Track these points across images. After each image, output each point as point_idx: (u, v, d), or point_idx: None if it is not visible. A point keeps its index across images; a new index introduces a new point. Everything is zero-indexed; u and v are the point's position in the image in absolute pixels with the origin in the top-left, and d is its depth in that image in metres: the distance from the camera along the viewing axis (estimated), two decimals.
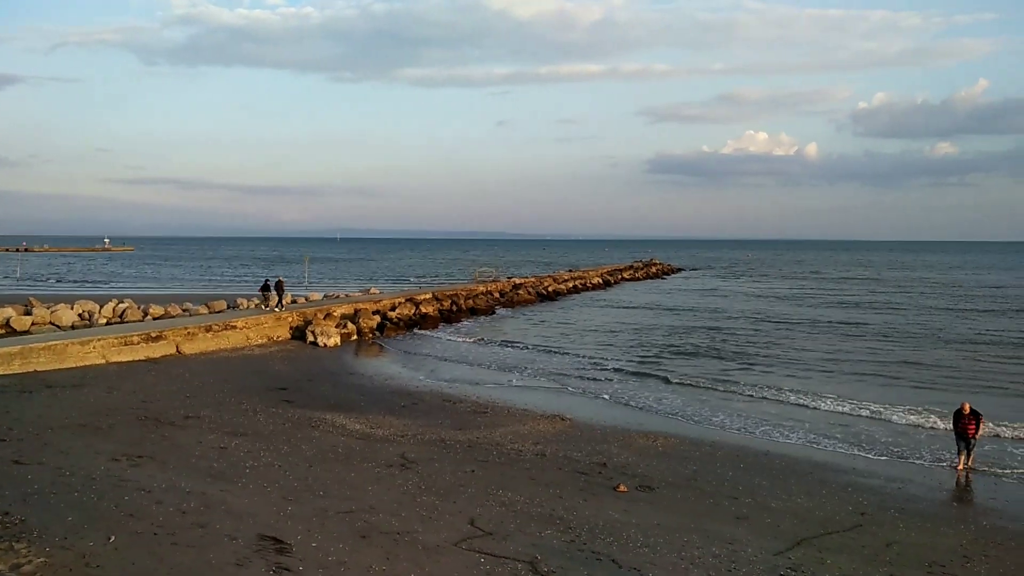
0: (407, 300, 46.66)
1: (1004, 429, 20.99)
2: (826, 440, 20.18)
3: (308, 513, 11.88)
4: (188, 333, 30.76)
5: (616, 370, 30.97)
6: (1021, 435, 20.59)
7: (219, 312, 39.11)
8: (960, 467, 17.30)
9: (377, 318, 41.01)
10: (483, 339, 39.79)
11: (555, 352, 35.67)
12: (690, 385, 27.86)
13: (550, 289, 68.62)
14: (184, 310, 39.42)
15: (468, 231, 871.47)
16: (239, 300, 43.72)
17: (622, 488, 14.81)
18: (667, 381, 28.59)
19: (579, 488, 14.73)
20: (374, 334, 39.34)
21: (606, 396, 25.77)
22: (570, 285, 74.14)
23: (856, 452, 19.03)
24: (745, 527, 12.92)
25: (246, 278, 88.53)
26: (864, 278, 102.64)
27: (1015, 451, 19.13)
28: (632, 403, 24.70)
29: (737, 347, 37.65)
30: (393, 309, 44.03)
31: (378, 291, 54.43)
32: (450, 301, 50.92)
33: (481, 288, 59.06)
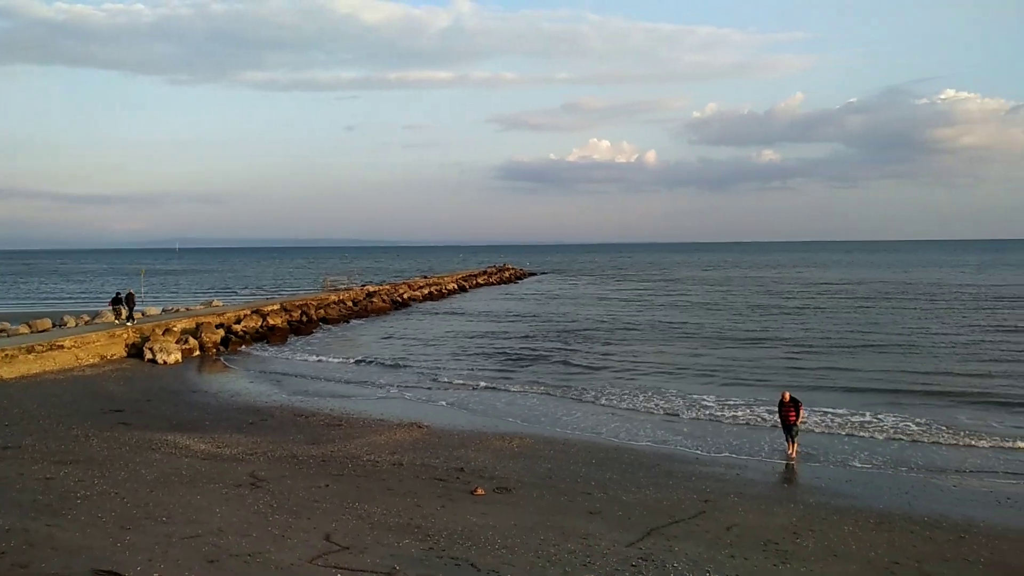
0: (253, 312, 44.81)
1: (831, 417, 22.89)
2: (671, 434, 21.25)
3: (150, 541, 11.14)
4: (5, 355, 28.09)
5: (472, 376, 31.18)
6: (844, 422, 22.51)
7: (43, 331, 35.93)
8: (790, 452, 18.58)
9: (221, 332, 39.16)
10: (335, 350, 38.92)
11: (410, 360, 35.43)
12: (543, 385, 28.49)
13: (405, 296, 68.10)
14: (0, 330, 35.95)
15: (319, 238, 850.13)
16: (65, 318, 40.36)
17: (479, 491, 14.92)
18: (521, 384, 29.08)
19: (437, 495, 14.70)
20: (218, 349, 37.52)
21: (463, 402, 25.88)
22: (425, 292, 73.89)
23: (699, 443, 20.15)
24: (599, 521, 13.35)
25: (79, 294, 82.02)
26: (705, 280, 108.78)
27: (840, 435, 20.93)
28: (488, 407, 24.95)
29: (585, 350, 38.84)
30: (238, 322, 42.17)
31: (221, 303, 51.94)
32: (300, 312, 49.41)
33: (333, 297, 57.72)
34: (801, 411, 18.70)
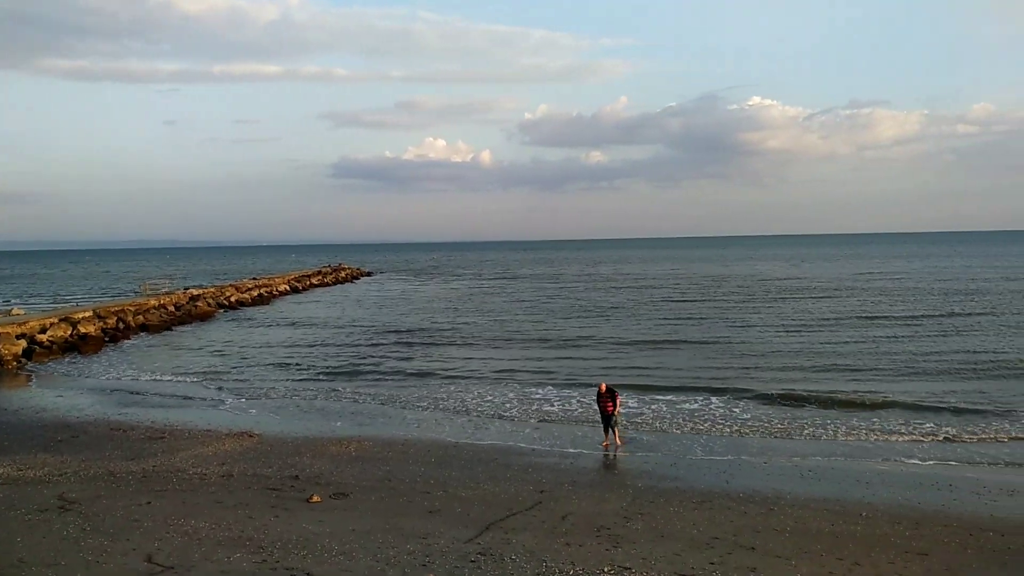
0: (62, 320, 41.14)
1: (660, 405, 24.20)
2: (508, 430, 21.70)
3: None
4: None
5: (305, 381, 30.29)
6: (673, 411, 23.87)
7: None
8: (605, 443, 19.16)
9: (23, 343, 35.67)
10: (157, 359, 36.53)
11: (239, 367, 33.90)
12: (380, 388, 28.18)
13: (233, 300, 64.98)
14: None
15: (137, 239, 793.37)
16: None
17: (316, 498, 14.51)
18: (357, 387, 28.60)
19: (270, 505, 14.14)
20: (19, 361, 34.16)
21: (296, 408, 25.10)
22: (255, 294, 70.84)
23: (535, 437, 20.68)
24: (438, 519, 13.37)
25: None
26: (541, 276, 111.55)
27: (669, 422, 22.18)
28: (324, 412, 24.35)
29: (422, 350, 38.81)
30: (44, 331, 38.57)
31: (23, 311, 47.25)
32: (116, 319, 45.93)
33: (153, 302, 54.06)
34: (618, 401, 19.29)
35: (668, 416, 22.56)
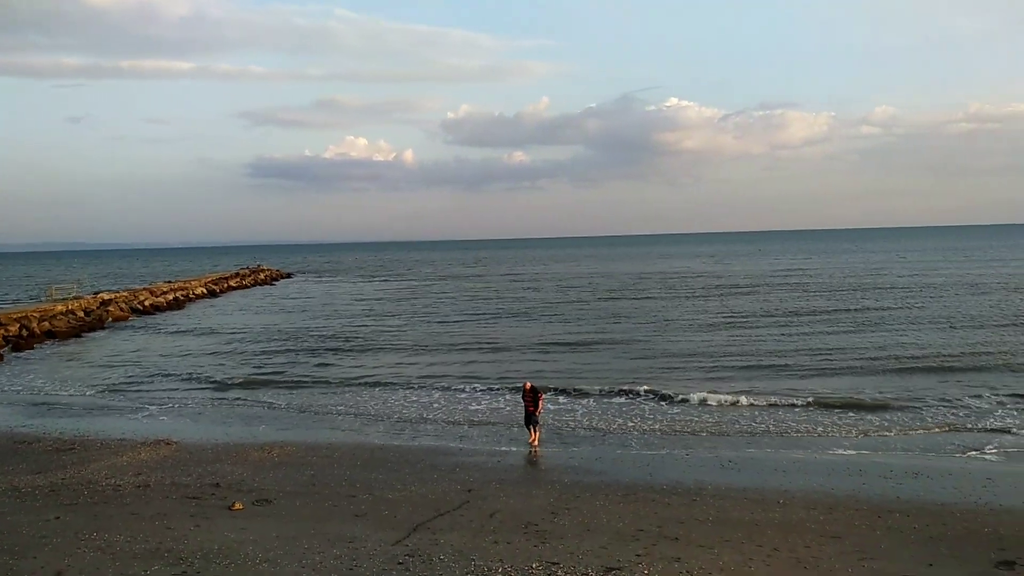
0: None
1: (586, 402, 24.51)
2: (435, 430, 21.64)
3: None
4: None
5: (224, 387, 29.47)
6: (602, 406, 24.20)
7: None
8: (533, 440, 19.19)
9: None
10: (65, 366, 34.92)
11: (154, 373, 32.75)
12: (304, 391, 27.67)
13: (147, 304, 62.66)
14: None
15: (42, 241, 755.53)
16: None
17: (238, 506, 14.13)
18: (280, 391, 28.01)
19: (190, 514, 13.70)
20: None
21: (216, 415, 24.41)
22: (171, 298, 68.49)
23: (462, 437, 20.66)
24: (364, 523, 13.20)
25: None
26: (465, 276, 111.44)
27: (597, 417, 22.47)
28: (246, 417, 23.78)
29: (347, 350, 38.29)
30: None
31: None
32: (19, 325, 43.67)
33: (60, 307, 51.63)
34: (541, 401, 19.34)
35: (595, 413, 22.87)
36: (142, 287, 75.27)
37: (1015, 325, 37.87)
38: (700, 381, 26.94)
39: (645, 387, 25.82)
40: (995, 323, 38.88)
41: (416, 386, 27.76)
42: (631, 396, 24.72)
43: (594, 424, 21.57)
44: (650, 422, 21.63)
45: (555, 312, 52.63)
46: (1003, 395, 23.37)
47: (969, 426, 20.11)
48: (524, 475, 16.78)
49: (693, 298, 59.89)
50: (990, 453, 17.74)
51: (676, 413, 22.57)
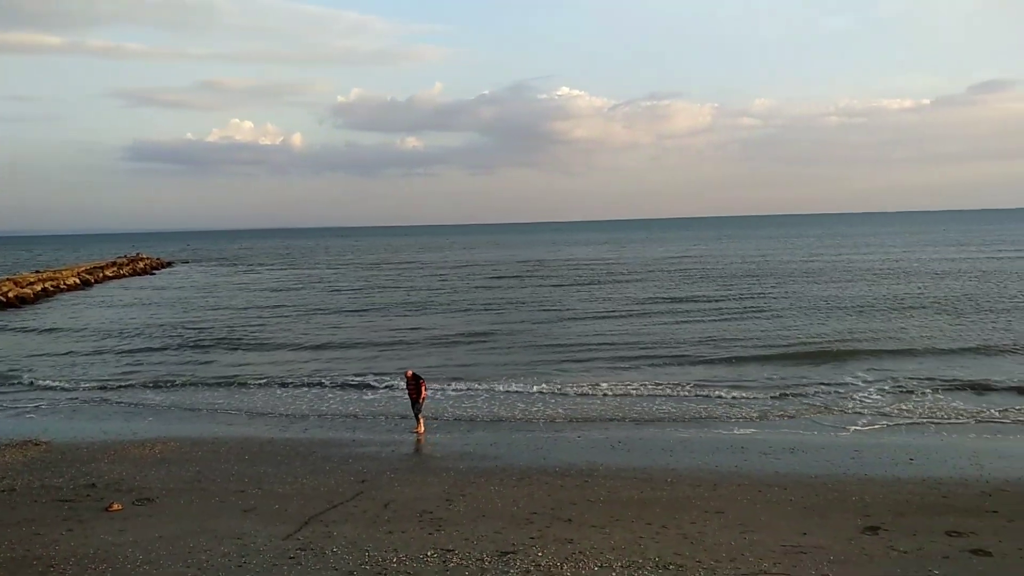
0: None
1: (481, 388, 24.61)
2: (327, 420, 21.24)
3: None
4: None
5: (100, 382, 27.94)
6: (491, 389, 24.35)
7: None
8: (419, 428, 19.08)
9: None
10: None
11: (19, 368, 30.66)
12: (191, 385, 26.58)
13: (11, 295, 58.40)
14: None
15: None
16: None
17: (116, 507, 13.43)
18: (163, 387, 26.79)
19: (62, 518, 12.92)
20: None
21: (93, 412, 23.09)
22: (38, 288, 64.11)
23: (355, 426, 20.37)
24: (253, 518, 12.81)
25: None
26: (361, 264, 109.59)
27: (489, 401, 22.58)
28: (125, 414, 22.61)
29: (232, 343, 37.02)
30: None
31: None
32: None
33: None
34: (423, 389, 19.17)
35: (491, 400, 22.99)
36: (5, 277, 70.15)
37: (885, 310, 40.50)
38: (596, 368, 27.49)
39: (541, 375, 26.17)
40: (867, 308, 41.45)
41: (308, 380, 27.07)
42: (527, 383, 24.96)
43: (491, 411, 21.67)
44: (546, 408, 21.92)
45: (453, 301, 52.48)
46: (872, 375, 24.96)
47: (841, 404, 21.36)
48: (419, 463, 16.69)
49: (590, 285, 60.97)
50: (859, 428, 18.93)
51: (571, 399, 22.95)
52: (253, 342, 36.17)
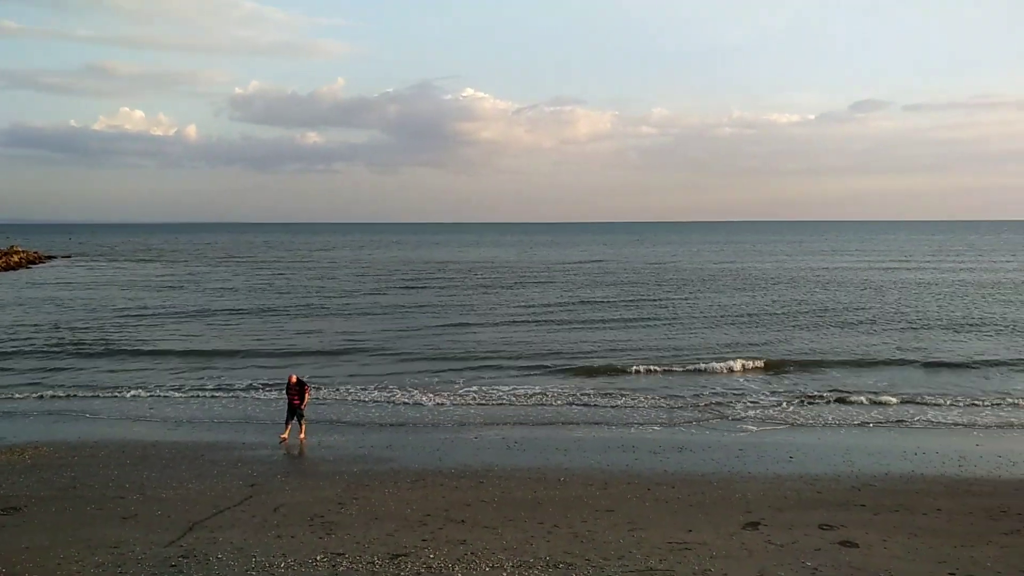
0: None
1: (378, 391, 24.29)
2: (213, 423, 20.53)
3: None
4: None
5: None
6: (390, 392, 24.09)
7: None
8: (283, 436, 18.10)
9: None
10: None
11: None
12: (66, 388, 25.13)
13: None
14: None
15: None
16: None
17: None
18: (35, 392, 25.23)
19: None
20: None
21: None
22: None
23: (243, 429, 19.77)
24: (132, 525, 12.25)
25: None
26: (256, 262, 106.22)
27: (381, 405, 22.33)
28: None
29: (114, 347, 35.21)
30: None
31: None
32: None
33: None
34: (307, 394, 18.48)
35: (386, 402, 22.76)
36: None
37: (774, 316, 42.42)
38: (495, 372, 27.56)
39: (439, 379, 26.09)
40: (759, 313, 43.29)
41: (195, 383, 26.00)
42: (425, 388, 24.82)
43: (388, 414, 21.44)
44: (442, 411, 21.87)
45: (352, 304, 51.39)
46: (759, 379, 26.10)
47: (730, 407, 22.17)
48: (311, 467, 16.35)
49: (496, 288, 61.00)
50: (744, 429, 19.74)
51: (469, 403, 22.97)
52: (136, 345, 34.40)
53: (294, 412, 18.29)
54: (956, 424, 20.08)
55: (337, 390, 23.90)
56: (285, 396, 18.72)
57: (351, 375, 26.63)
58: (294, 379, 18.46)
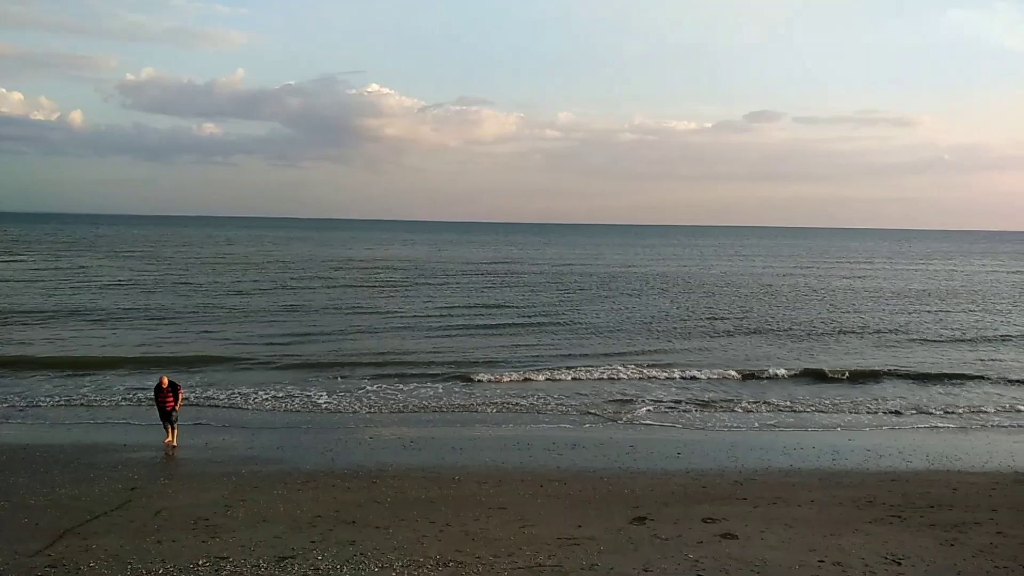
0: None
1: (269, 391, 23.63)
2: (93, 424, 19.57)
3: None
4: None
5: None
6: (281, 392, 23.49)
7: None
8: (170, 440, 17.32)
9: None
10: None
11: None
12: None
13: None
14: None
15: None
16: None
17: None
18: None
19: None
20: None
21: None
22: None
23: (125, 428, 18.92)
24: None
25: None
26: (142, 256, 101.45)
27: (268, 407, 21.77)
28: None
29: None
30: None
31: None
32: None
33: None
34: (180, 397, 17.63)
35: (278, 403, 22.19)
36: None
37: (673, 317, 43.72)
38: (391, 372, 27.22)
39: (334, 378, 25.63)
40: (658, 317, 44.49)
41: (67, 379, 24.69)
42: (318, 387, 24.34)
43: (279, 415, 20.95)
44: (336, 411, 21.53)
45: (248, 304, 49.56)
46: (654, 380, 26.78)
47: (624, 405, 22.66)
48: (197, 469, 15.76)
49: (401, 287, 60.26)
50: (637, 426, 20.28)
51: (365, 402, 22.67)
52: (4, 344, 32.38)
53: (168, 415, 17.28)
54: (835, 425, 21.04)
55: (229, 391, 23.11)
56: (154, 400, 17.68)
57: (245, 376, 25.82)
58: (166, 381, 17.45)
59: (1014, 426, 21.04)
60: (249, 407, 21.45)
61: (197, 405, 21.26)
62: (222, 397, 22.32)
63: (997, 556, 11.04)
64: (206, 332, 35.01)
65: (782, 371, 27.49)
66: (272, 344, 32.07)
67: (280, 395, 22.82)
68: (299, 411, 21.17)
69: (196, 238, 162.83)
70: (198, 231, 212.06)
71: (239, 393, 22.86)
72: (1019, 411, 22.57)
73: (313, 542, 11.29)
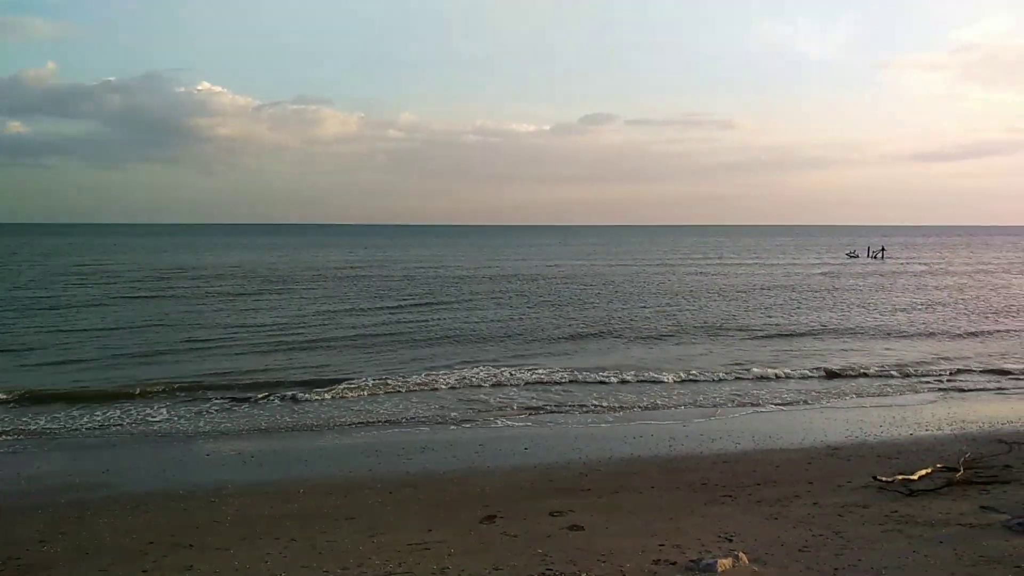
0: None
1: (93, 413, 21.86)
2: None
3: None
4: None
5: None
6: (102, 412, 21.80)
7: None
8: None
9: None
10: None
11: None
12: None
13: None
14: None
15: None
16: None
17: None
18: None
19: None
20: None
21: None
22: None
23: None
24: None
25: None
26: None
27: (103, 426, 20.18)
28: None
29: None
30: None
31: None
32: None
33: None
34: None
35: (101, 421, 20.55)
36: None
37: (510, 320, 44.44)
38: (228, 384, 25.96)
39: (169, 395, 24.07)
40: (510, 318, 45.10)
41: None
42: (147, 401, 22.78)
43: (105, 436, 19.39)
44: (168, 427, 20.22)
45: (70, 317, 45.93)
46: (502, 374, 27.12)
47: (475, 403, 22.77)
48: (7, 503, 14.29)
49: (237, 296, 57.46)
50: (487, 425, 20.44)
51: (198, 416, 21.43)
52: None
53: None
54: (672, 408, 22.28)
55: (47, 413, 21.15)
56: None
57: (62, 397, 23.71)
58: None
59: (827, 406, 23.02)
60: (69, 431, 19.69)
61: (4, 433, 19.31)
62: (40, 421, 20.39)
63: (814, 525, 11.99)
64: (13, 348, 31.91)
65: (614, 378, 28.69)
66: (96, 359, 29.68)
67: (103, 413, 21.13)
68: (126, 429, 19.70)
69: (5, 246, 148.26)
70: (9, 240, 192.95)
71: (57, 415, 20.96)
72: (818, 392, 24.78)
73: (145, 571, 10.53)
